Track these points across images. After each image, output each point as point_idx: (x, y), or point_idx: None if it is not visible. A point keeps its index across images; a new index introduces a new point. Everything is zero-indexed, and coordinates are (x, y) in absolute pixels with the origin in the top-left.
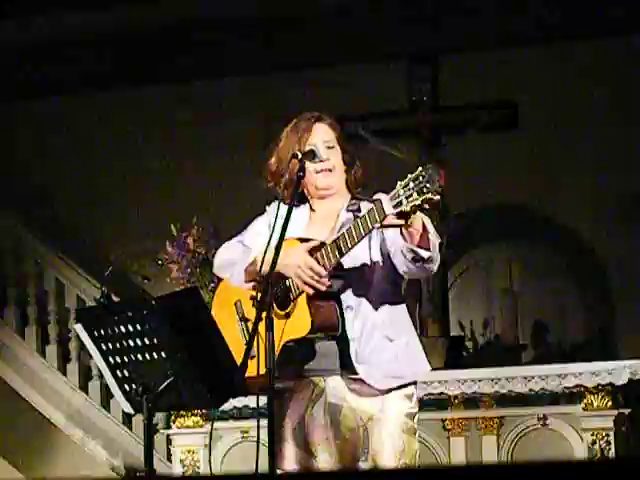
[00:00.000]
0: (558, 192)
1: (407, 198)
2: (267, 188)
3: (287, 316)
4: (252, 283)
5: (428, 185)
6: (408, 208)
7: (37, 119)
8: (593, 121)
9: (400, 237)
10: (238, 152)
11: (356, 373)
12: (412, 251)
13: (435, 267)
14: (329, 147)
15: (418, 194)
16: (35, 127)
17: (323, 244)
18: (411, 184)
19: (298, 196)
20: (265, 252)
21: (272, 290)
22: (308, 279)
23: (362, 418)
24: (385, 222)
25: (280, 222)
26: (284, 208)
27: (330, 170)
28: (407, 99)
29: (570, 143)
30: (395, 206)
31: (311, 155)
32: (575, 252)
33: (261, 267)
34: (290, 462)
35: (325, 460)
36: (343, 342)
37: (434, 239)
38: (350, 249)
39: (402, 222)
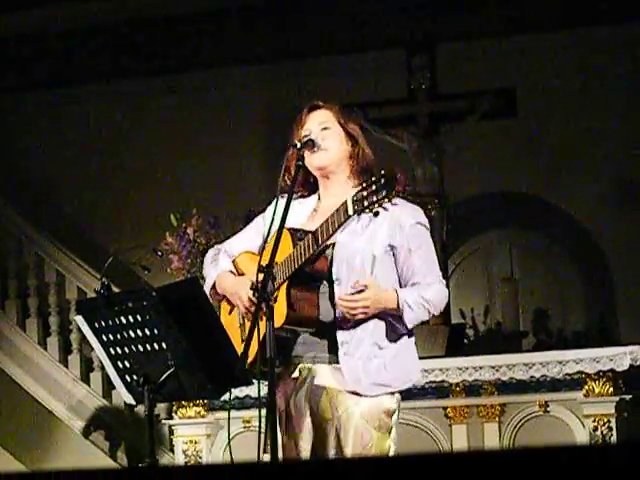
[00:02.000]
0: (558, 179)
1: (368, 201)
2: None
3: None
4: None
5: (385, 190)
6: (368, 211)
7: (34, 112)
8: (592, 107)
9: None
10: (239, 143)
11: (343, 374)
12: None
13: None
14: (324, 128)
15: (376, 197)
16: (33, 119)
17: (307, 234)
18: (373, 187)
19: (310, 186)
20: (265, 243)
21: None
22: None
23: (337, 409)
24: None
25: (279, 214)
26: (282, 202)
27: (325, 150)
28: (405, 88)
29: (569, 130)
30: (358, 208)
31: (310, 144)
32: (575, 239)
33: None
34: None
35: (304, 449)
36: (332, 338)
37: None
38: (316, 251)
39: None
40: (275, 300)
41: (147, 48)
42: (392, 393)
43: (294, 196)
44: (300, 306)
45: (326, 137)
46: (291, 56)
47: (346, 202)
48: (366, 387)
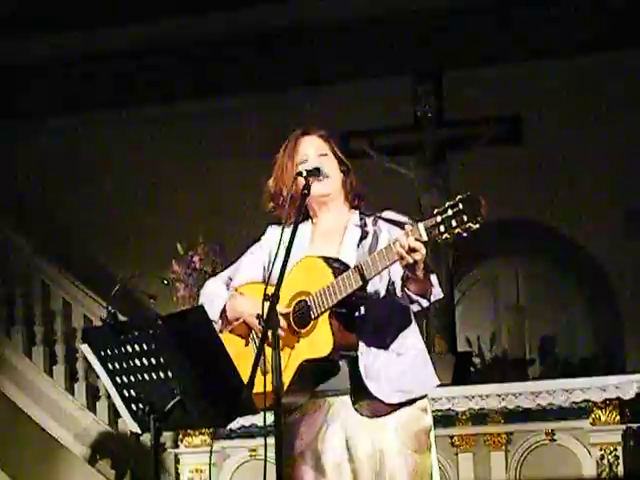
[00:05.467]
0: (565, 207)
1: (445, 227)
2: (269, 210)
3: (305, 335)
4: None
5: (469, 215)
6: (444, 237)
7: (39, 139)
8: (598, 134)
9: (401, 274)
10: (245, 170)
11: (367, 389)
12: (410, 297)
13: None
14: (321, 154)
15: (457, 223)
16: (38, 146)
17: (345, 264)
18: (450, 212)
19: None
20: (270, 273)
21: (289, 311)
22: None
23: (377, 440)
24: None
25: (284, 244)
26: (286, 230)
27: (328, 177)
28: (411, 115)
29: (575, 157)
30: (433, 234)
31: (317, 172)
32: (582, 267)
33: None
34: None
35: None
36: (353, 359)
37: (437, 288)
38: (375, 276)
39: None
40: (312, 330)
41: (152, 77)
42: (425, 409)
43: (286, 223)
44: (343, 333)
45: (325, 164)
46: (296, 83)
47: (418, 228)
48: (388, 394)
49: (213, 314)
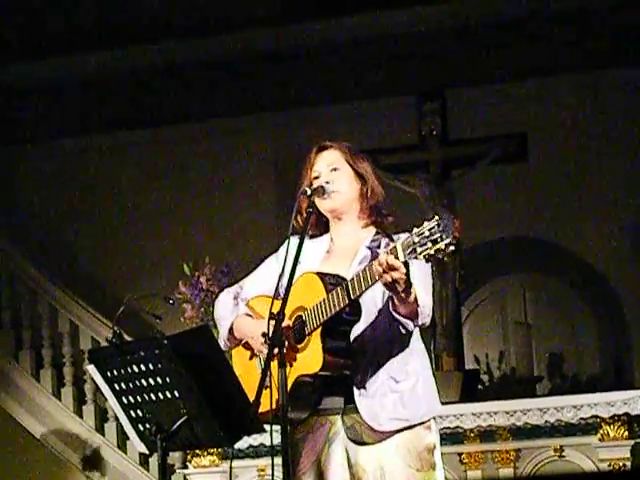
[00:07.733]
0: (570, 223)
1: (421, 247)
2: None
3: (301, 350)
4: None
5: (443, 236)
6: (421, 257)
7: (47, 161)
8: (603, 152)
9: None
10: (250, 191)
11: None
12: (396, 318)
13: (427, 321)
14: (333, 169)
15: (432, 243)
16: (45, 168)
17: (342, 280)
18: (426, 232)
19: (322, 225)
20: (277, 288)
21: (288, 325)
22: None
23: (378, 458)
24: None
25: (291, 257)
26: (297, 247)
27: (336, 192)
28: (416, 134)
29: (581, 174)
30: (409, 254)
31: (321, 191)
32: (589, 283)
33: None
34: None
35: None
36: (349, 380)
37: (425, 310)
38: (362, 294)
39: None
40: (306, 347)
41: (157, 98)
42: (429, 427)
43: (291, 239)
44: (334, 351)
45: (336, 179)
46: (301, 103)
47: (396, 250)
48: (383, 422)
49: (225, 328)
